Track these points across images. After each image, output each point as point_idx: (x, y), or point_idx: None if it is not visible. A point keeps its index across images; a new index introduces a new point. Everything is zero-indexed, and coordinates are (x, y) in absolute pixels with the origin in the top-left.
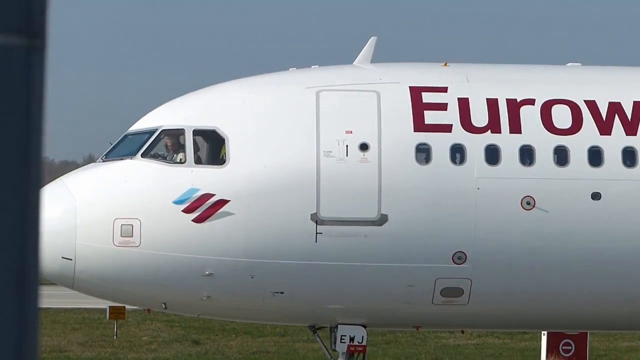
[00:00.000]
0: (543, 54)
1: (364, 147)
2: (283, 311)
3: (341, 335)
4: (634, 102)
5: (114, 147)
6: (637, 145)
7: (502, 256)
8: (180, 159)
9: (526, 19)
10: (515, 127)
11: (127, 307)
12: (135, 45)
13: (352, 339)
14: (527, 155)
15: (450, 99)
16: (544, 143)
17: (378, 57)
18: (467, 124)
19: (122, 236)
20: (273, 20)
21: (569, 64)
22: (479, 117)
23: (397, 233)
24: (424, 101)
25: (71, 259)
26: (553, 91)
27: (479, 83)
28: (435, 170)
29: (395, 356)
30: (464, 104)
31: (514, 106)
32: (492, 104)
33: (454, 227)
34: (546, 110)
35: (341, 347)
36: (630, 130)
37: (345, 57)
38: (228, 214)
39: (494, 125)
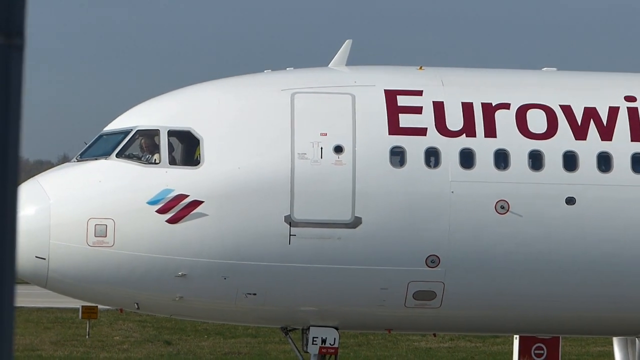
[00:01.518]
0: (518, 59)
1: (338, 149)
2: (255, 312)
3: (313, 337)
4: (610, 107)
5: (89, 147)
6: (612, 150)
7: (475, 260)
8: (155, 160)
9: (502, 24)
10: (490, 131)
11: (100, 306)
12: (111, 45)
13: (324, 341)
14: (502, 159)
15: (425, 102)
16: (519, 147)
17: (353, 60)
18: (442, 127)
19: (96, 236)
20: (249, 22)
21: (545, 68)
22: (454, 120)
23: (371, 236)
24: (399, 104)
25: (45, 258)
26: (528, 96)
27: (454, 87)
28: (409, 173)
29: (367, 358)
30: (439, 107)
31: (489, 110)
32: (467, 108)
33: (427, 230)
34: (521, 114)
35: (313, 349)
36: (605, 135)
37: (320, 59)
38: (202, 215)
39: (468, 129)
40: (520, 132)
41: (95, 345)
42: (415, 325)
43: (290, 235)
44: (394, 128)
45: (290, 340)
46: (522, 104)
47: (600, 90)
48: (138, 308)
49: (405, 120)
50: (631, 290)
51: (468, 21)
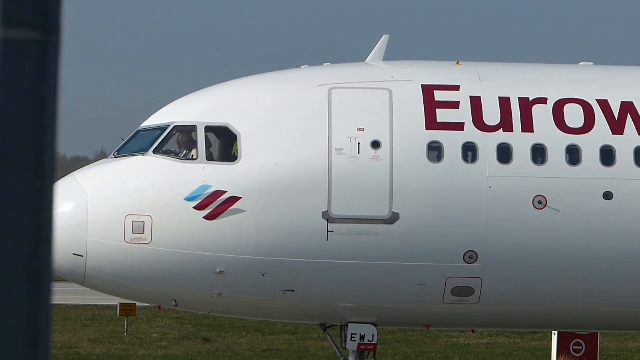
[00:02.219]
0: (555, 54)
1: (376, 144)
2: (294, 309)
3: (352, 334)
4: None
5: (126, 143)
6: None
7: (513, 255)
8: (192, 156)
9: (539, 19)
10: (528, 126)
11: (138, 304)
12: (149, 41)
13: (362, 338)
14: (539, 154)
15: (462, 97)
16: (556, 142)
17: (390, 55)
18: (479, 122)
19: (133, 233)
20: (286, 18)
21: (582, 63)
22: (491, 115)
23: (409, 232)
24: (436, 99)
25: (82, 256)
26: (565, 90)
27: (492, 82)
28: (447, 168)
29: (405, 355)
30: (476, 102)
31: (526, 105)
32: (505, 103)
33: (465, 226)
34: (558, 109)
35: (352, 346)
36: None
37: (357, 55)
38: (239, 211)
39: (506, 123)
40: (558, 127)
41: (133, 342)
42: (453, 321)
43: (328, 231)
44: (432, 123)
45: (329, 337)
46: (559, 98)
47: (638, 84)
48: (176, 305)
49: (442, 115)
50: None
51: (505, 16)
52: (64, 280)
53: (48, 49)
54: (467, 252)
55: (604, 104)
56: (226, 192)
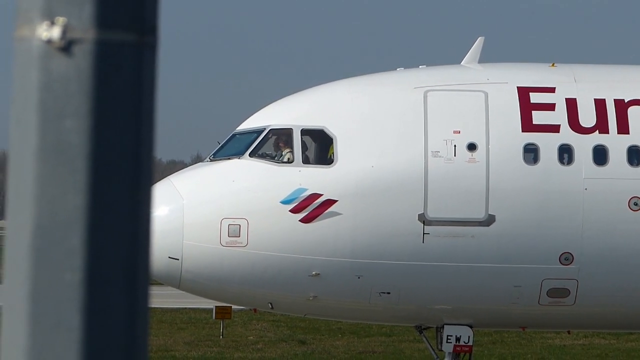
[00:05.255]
0: None
1: (471, 147)
2: (389, 311)
3: (447, 336)
4: None
5: (222, 146)
6: None
7: (609, 257)
8: (288, 159)
9: (635, 20)
10: (623, 128)
11: (234, 306)
12: (244, 46)
13: (458, 339)
14: (635, 155)
15: (558, 99)
16: None
17: (485, 58)
18: (575, 124)
19: (229, 236)
20: (382, 21)
21: None
22: (587, 117)
23: (505, 233)
24: (531, 101)
25: (178, 259)
26: None
27: (587, 83)
28: (543, 170)
29: (501, 356)
30: (571, 104)
31: (621, 106)
32: (600, 104)
33: (561, 227)
34: None
35: (447, 347)
36: None
37: (452, 57)
38: (335, 214)
39: (601, 125)
40: None
41: (229, 345)
42: (549, 322)
43: (424, 233)
44: (527, 125)
45: (424, 339)
46: None
47: None
48: (272, 308)
49: (538, 117)
50: None
51: (600, 17)
52: (160, 284)
53: (145, 51)
54: (563, 253)
55: None
56: (322, 195)
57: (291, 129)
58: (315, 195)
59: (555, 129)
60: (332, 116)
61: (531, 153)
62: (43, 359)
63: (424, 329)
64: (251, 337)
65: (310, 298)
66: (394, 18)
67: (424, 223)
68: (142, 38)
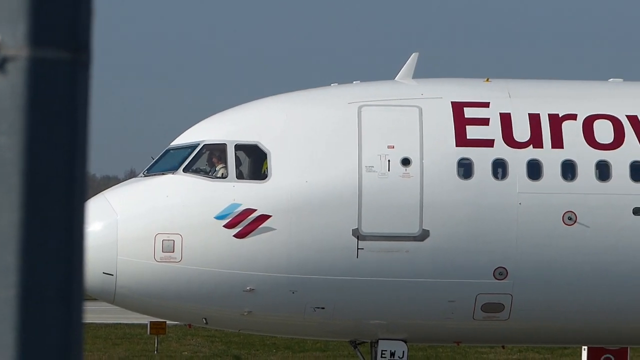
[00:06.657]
0: (585, 70)
1: (406, 162)
2: (324, 326)
3: (382, 350)
4: None
5: (156, 161)
6: None
7: (543, 272)
8: (222, 174)
9: (568, 35)
10: (557, 142)
11: (168, 322)
12: (177, 60)
13: (392, 354)
14: (569, 170)
15: (492, 114)
16: (586, 158)
17: (420, 73)
18: (509, 138)
19: (163, 251)
20: (315, 36)
21: (611, 79)
22: (521, 132)
23: (439, 248)
24: (465, 116)
25: (112, 274)
26: (595, 106)
27: (521, 98)
28: (477, 185)
29: None
30: (506, 119)
31: (555, 121)
32: (534, 119)
33: (495, 242)
34: (588, 125)
35: None
36: None
37: (387, 73)
38: (270, 229)
39: (535, 140)
40: (587, 143)
41: None
42: (483, 337)
43: (358, 248)
44: (461, 140)
45: (359, 354)
46: (588, 114)
47: None
48: (206, 323)
49: (472, 132)
50: None
51: (534, 33)
52: (94, 299)
53: (78, 68)
54: (497, 268)
55: (634, 120)
56: (256, 210)
57: (225, 144)
58: (250, 211)
59: (489, 143)
60: (266, 131)
61: (465, 168)
62: None
63: (359, 343)
64: (186, 353)
65: (245, 313)
66: (327, 33)
67: (358, 238)
68: (76, 55)
